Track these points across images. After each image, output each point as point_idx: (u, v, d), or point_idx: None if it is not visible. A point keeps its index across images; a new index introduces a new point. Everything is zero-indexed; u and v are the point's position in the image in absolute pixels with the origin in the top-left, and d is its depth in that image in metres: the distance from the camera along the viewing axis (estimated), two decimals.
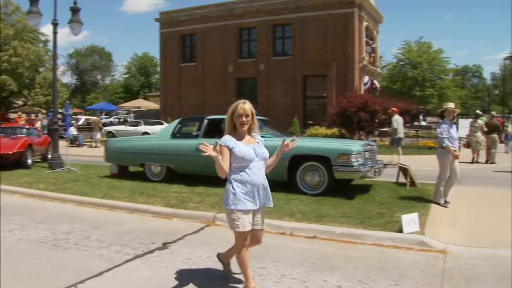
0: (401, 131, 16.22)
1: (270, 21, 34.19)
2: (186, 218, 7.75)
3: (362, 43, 33.47)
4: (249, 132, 4.39)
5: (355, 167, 8.90)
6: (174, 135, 11.18)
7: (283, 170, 9.33)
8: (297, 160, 9.36)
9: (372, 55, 36.92)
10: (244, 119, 4.25)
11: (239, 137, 4.32)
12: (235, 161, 4.25)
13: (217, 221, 7.41)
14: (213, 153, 4.06)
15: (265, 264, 5.35)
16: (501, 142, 22.13)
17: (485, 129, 18.31)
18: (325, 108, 30.89)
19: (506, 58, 45.65)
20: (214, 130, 11.05)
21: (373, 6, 35.85)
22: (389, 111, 17.52)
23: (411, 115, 30.30)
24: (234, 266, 4.75)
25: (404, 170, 10.83)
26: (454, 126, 9.01)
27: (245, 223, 4.24)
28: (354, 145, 9.30)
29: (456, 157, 8.84)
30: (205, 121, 10.97)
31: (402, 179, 10.86)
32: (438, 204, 8.75)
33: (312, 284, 4.74)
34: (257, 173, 4.27)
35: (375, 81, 36.02)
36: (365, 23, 33.76)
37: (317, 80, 33.30)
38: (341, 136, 23.45)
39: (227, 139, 4.27)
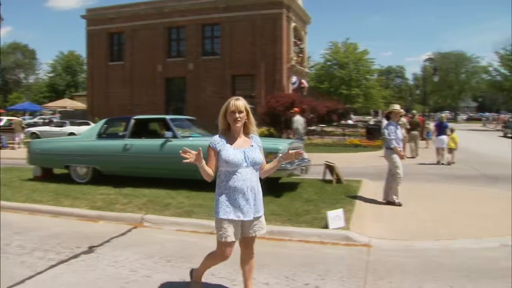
0: (301, 132, 16.51)
1: (199, 21, 34.02)
2: (113, 220, 7.53)
3: (290, 43, 33.96)
4: (246, 132, 4.08)
5: (282, 165, 8.93)
6: (100, 136, 10.86)
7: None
8: None
9: (300, 55, 37.53)
10: (237, 115, 3.94)
11: (232, 138, 4.02)
12: (221, 164, 3.96)
13: (145, 223, 7.27)
14: (196, 162, 3.82)
15: (194, 265, 5.26)
16: (423, 139, 23.59)
17: (408, 126, 19.64)
18: (254, 108, 31.11)
19: (426, 60, 47.80)
20: (141, 130, 10.86)
21: (301, 7, 36.46)
22: (291, 111, 17.86)
23: (339, 114, 31.09)
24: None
25: (330, 168, 11.07)
26: (399, 127, 9.27)
27: (228, 233, 3.94)
28: (281, 144, 9.38)
29: (402, 157, 9.13)
30: (132, 121, 10.71)
31: (329, 176, 11.09)
32: (393, 203, 8.95)
33: (240, 283, 4.73)
34: (246, 179, 3.93)
35: (303, 81, 36.64)
36: (293, 24, 34.28)
37: (246, 80, 33.48)
38: (270, 135, 23.69)
39: (216, 140, 4.00)
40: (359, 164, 15.70)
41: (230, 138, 4.02)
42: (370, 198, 9.40)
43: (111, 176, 10.74)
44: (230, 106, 3.96)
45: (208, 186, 9.13)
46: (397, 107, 9.27)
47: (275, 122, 24.07)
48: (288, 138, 22.45)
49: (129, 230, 6.99)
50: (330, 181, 10.74)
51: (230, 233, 3.93)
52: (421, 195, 9.88)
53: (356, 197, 9.15)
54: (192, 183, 9.48)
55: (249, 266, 4.24)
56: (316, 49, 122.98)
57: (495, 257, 5.82)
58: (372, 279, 4.92)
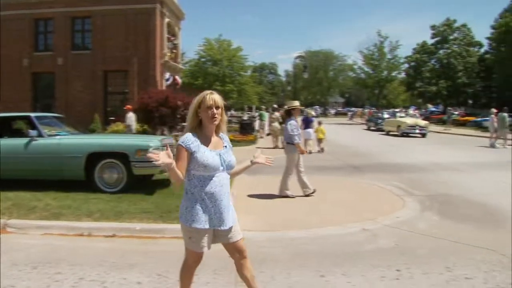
0: (133, 128, 16.51)
1: (69, 13, 32.32)
2: None
3: (164, 39, 33.52)
4: (217, 130, 3.65)
5: (154, 162, 8.86)
6: None
7: (79, 169, 9.00)
8: (94, 157, 9.07)
9: (174, 51, 37.20)
10: (215, 111, 3.48)
11: (205, 138, 3.55)
12: (195, 168, 3.47)
13: (8, 228, 6.80)
14: (168, 160, 3.28)
15: (61, 269, 5.10)
16: None
17: (281, 120, 20.85)
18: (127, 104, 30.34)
19: (297, 57, 49.65)
20: (3, 129, 10.16)
21: (174, 3, 36.10)
22: (125, 108, 18.07)
23: None
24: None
25: None
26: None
27: (202, 243, 3.58)
28: (152, 141, 9.30)
29: (303, 152, 9.41)
30: None
31: None
32: (287, 196, 9.23)
33: (111, 284, 4.65)
34: (223, 184, 3.55)
35: (176, 77, 36.40)
36: (166, 19, 33.85)
37: (118, 76, 32.47)
38: (144, 132, 23.29)
39: (189, 139, 3.47)
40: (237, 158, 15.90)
41: (203, 137, 3.54)
42: (244, 191, 9.63)
43: None
44: (206, 101, 3.48)
45: (77, 186, 8.92)
46: (297, 103, 9.60)
47: (148, 118, 23.67)
48: (162, 134, 22.32)
49: None
50: None
51: (205, 244, 3.59)
52: (292, 186, 10.30)
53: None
54: (60, 183, 9.10)
55: (249, 271, 3.86)
56: (190, 45, 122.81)
57: (357, 241, 6.33)
58: None
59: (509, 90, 49.18)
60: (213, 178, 3.50)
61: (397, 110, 57.19)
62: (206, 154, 3.45)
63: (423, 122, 32.31)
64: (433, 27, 68.68)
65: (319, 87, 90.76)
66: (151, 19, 31.63)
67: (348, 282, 4.74)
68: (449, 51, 66.20)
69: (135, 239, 6.33)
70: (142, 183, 9.76)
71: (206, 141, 3.54)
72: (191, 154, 3.45)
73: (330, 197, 9.29)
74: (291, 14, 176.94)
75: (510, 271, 5.11)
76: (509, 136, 23.90)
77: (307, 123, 19.78)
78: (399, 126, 31.40)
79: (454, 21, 68.19)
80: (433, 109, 72.62)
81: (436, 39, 68.59)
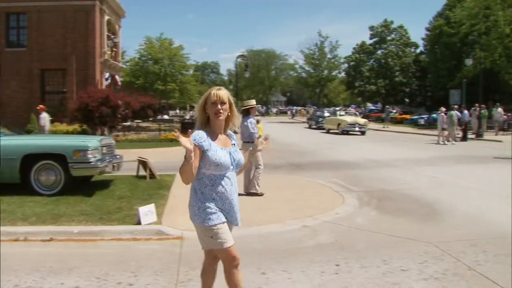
0: (47, 129, 16.28)
1: (3, 9, 31.04)
2: None
3: (104, 37, 32.78)
4: (226, 128, 3.54)
5: (92, 163, 8.71)
6: None
7: (14, 171, 8.65)
8: (30, 159, 8.75)
9: (114, 49, 36.48)
10: (219, 106, 3.36)
11: (213, 134, 3.43)
12: (206, 166, 3.33)
13: None
14: (189, 146, 3.09)
15: None
16: (235, 131, 24.84)
17: None
18: (65, 104, 29.47)
19: (239, 57, 49.74)
20: None
21: (115, 0, 35.38)
22: (37, 108, 17.98)
23: (154, 109, 30.94)
24: None
25: (143, 163, 11.01)
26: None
27: (227, 237, 3.38)
28: (90, 141, 9.07)
29: (260, 150, 9.40)
30: None
31: (142, 172, 11.02)
32: (257, 194, 9.26)
33: None
34: (234, 183, 3.44)
35: (116, 76, 35.73)
36: (106, 17, 33.12)
37: (56, 74, 31.51)
38: (83, 132, 22.72)
39: (202, 137, 3.32)
40: (174, 158, 15.76)
41: (212, 134, 3.43)
42: (183, 191, 9.54)
43: None
44: (211, 96, 3.39)
45: (12, 189, 8.56)
46: (254, 102, 9.82)
47: (88, 118, 23.08)
48: (102, 134, 21.86)
49: None
50: (144, 177, 10.69)
51: (229, 237, 3.40)
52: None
53: (169, 191, 9.24)
54: None
55: (239, 274, 3.56)
56: (131, 44, 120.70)
57: (298, 238, 6.45)
58: (184, 270, 5.04)
59: (442, 90, 51.17)
60: (224, 177, 3.38)
61: (337, 108, 58.41)
62: (218, 153, 3.33)
63: (362, 120, 33.17)
64: (371, 28, 70.60)
65: (261, 86, 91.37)
66: (90, 16, 30.87)
67: (289, 279, 4.81)
68: (386, 51, 68.23)
69: (73, 243, 6.17)
70: (82, 184, 9.51)
71: (215, 138, 3.43)
72: (203, 152, 3.31)
73: (271, 195, 9.38)
74: (234, 13, 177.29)
75: (443, 261, 5.34)
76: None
77: None
78: (339, 124, 32.08)
79: (392, 22, 70.32)
80: (372, 107, 74.67)
81: (374, 39, 70.58)
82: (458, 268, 5.14)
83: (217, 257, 3.59)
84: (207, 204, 3.34)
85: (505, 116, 29.46)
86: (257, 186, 9.49)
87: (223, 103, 3.38)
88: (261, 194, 9.35)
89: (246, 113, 9.60)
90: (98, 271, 5.02)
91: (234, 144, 3.54)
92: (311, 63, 73.43)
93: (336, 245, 6.04)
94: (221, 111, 3.36)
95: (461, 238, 6.34)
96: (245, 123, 9.42)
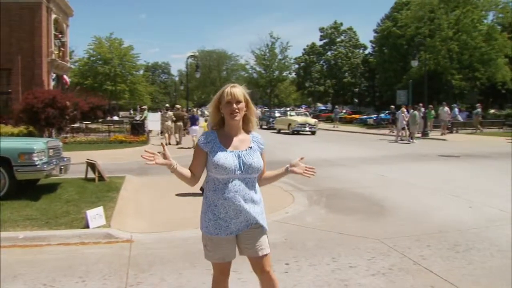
0: None
1: None
2: None
3: (51, 36, 31.92)
4: (245, 128, 3.27)
5: (38, 166, 8.46)
6: None
7: None
8: None
9: (62, 49, 35.58)
10: (234, 106, 3.10)
11: (226, 136, 3.20)
12: (210, 169, 3.16)
13: None
14: (162, 161, 3.06)
15: None
16: (185, 129, 25.55)
17: (174, 118, 23.28)
18: (10, 105, 28.52)
19: (190, 57, 49.52)
20: None
21: None
22: None
23: (104, 110, 30.41)
24: None
25: (92, 165, 10.81)
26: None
27: (218, 252, 3.20)
28: (36, 143, 8.81)
29: None
30: None
31: (91, 175, 10.81)
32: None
33: None
34: (239, 190, 3.13)
35: (64, 76, 34.88)
36: (53, 15, 32.24)
37: (1, 74, 30.48)
38: (29, 134, 22.05)
39: (205, 138, 3.20)
40: (124, 160, 15.60)
41: (224, 136, 3.20)
42: (133, 193, 9.47)
43: None
44: (224, 95, 3.13)
45: None
46: (178, 106, 9.76)
47: (34, 120, 22.42)
48: (50, 136, 21.29)
49: None
50: (92, 179, 10.49)
51: (221, 253, 3.21)
52: (180, 186, 10.28)
53: (118, 193, 9.10)
54: None
55: None
56: (80, 43, 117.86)
57: None
58: (133, 273, 4.99)
59: (390, 90, 52.53)
60: (229, 182, 3.12)
61: (288, 109, 58.95)
62: (219, 155, 3.11)
63: (312, 120, 33.62)
64: (321, 30, 71.75)
65: (212, 86, 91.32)
66: (37, 14, 30.02)
67: (239, 279, 4.83)
68: (336, 52, 69.48)
69: (18, 249, 5.99)
70: (27, 188, 9.23)
71: (226, 140, 3.19)
72: (206, 154, 3.17)
73: None
74: (186, 13, 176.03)
75: (390, 257, 5.50)
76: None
77: (193, 121, 22.11)
78: (290, 124, 32.41)
79: (341, 24, 71.63)
80: (323, 107, 75.78)
81: (324, 41, 71.71)
82: (404, 263, 5.31)
83: (260, 266, 3.30)
84: (208, 211, 3.19)
85: (448, 115, 30.46)
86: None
87: (238, 102, 3.13)
88: None
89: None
90: (45, 277, 4.90)
91: (250, 147, 3.21)
92: (262, 63, 74.07)
93: (286, 244, 6.10)
94: (236, 110, 3.12)
95: (407, 234, 6.54)
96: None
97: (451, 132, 30.03)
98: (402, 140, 24.70)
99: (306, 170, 3.29)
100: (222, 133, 3.21)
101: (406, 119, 24.80)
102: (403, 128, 24.86)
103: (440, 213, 7.84)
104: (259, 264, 3.27)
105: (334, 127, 40.70)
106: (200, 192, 9.44)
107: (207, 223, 3.17)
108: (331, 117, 51.65)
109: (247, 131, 3.27)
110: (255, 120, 3.29)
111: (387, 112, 37.42)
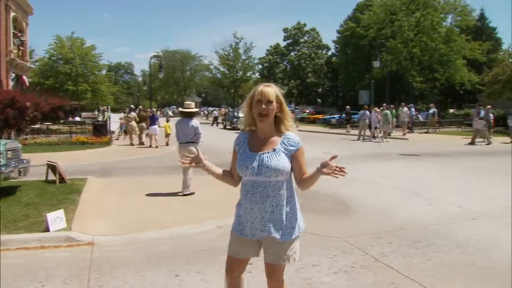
0: None
1: None
2: None
3: (10, 35, 31.12)
4: (278, 129, 3.13)
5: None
6: None
7: None
8: None
9: (21, 48, 34.75)
10: (263, 106, 2.99)
11: (256, 137, 3.14)
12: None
13: None
14: (193, 164, 3.19)
15: None
16: (147, 128, 25.20)
17: (137, 119, 23.61)
18: None
19: (153, 57, 49.04)
20: None
21: None
22: None
23: (65, 111, 29.80)
24: None
25: (52, 167, 10.59)
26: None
27: (232, 247, 3.24)
28: None
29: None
30: None
31: (52, 177, 10.59)
32: (191, 194, 9.50)
33: None
34: (256, 192, 3.07)
35: (24, 77, 34.08)
36: (12, 13, 31.44)
37: None
38: None
39: (237, 139, 3.22)
40: (86, 161, 15.35)
41: (254, 137, 3.15)
42: (95, 195, 9.33)
43: None
44: (256, 94, 3.03)
45: None
46: (193, 105, 10.31)
47: None
48: (9, 138, 20.76)
49: None
50: (53, 182, 10.28)
51: (233, 250, 3.23)
52: (143, 187, 10.22)
53: (80, 195, 8.95)
54: None
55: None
56: (40, 43, 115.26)
57: (212, 238, 6.46)
58: (95, 276, 4.92)
59: (352, 90, 53.24)
60: (247, 183, 3.12)
61: None
62: (242, 155, 3.10)
63: None
64: (285, 30, 72.15)
65: (176, 86, 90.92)
66: None
67: (203, 280, 4.82)
68: (300, 53, 69.99)
69: None
70: None
71: (255, 141, 3.14)
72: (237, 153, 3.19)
73: (187, 197, 9.41)
74: (149, 13, 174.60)
75: (352, 255, 5.60)
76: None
77: (152, 121, 22.61)
78: None
79: (304, 25, 72.18)
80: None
81: (288, 41, 72.12)
82: (365, 260, 5.40)
83: (269, 274, 3.25)
84: (238, 206, 3.23)
85: (407, 115, 31.06)
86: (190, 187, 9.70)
87: (269, 102, 3.01)
88: (192, 193, 9.65)
89: (190, 115, 9.92)
90: (3, 283, 4.77)
91: (274, 149, 3.06)
92: (225, 64, 73.96)
93: None
94: (265, 111, 3.01)
95: (368, 232, 6.65)
96: (193, 124, 9.76)
97: (411, 132, 30.62)
98: (374, 139, 25.14)
99: (335, 170, 3.04)
100: (253, 134, 3.17)
101: (379, 118, 25.28)
102: (376, 128, 25.32)
103: (402, 211, 8.00)
104: (267, 272, 3.24)
105: (296, 126, 40.98)
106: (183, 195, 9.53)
107: (235, 218, 3.23)
108: (294, 117, 52.00)
109: (280, 133, 3.13)
110: (289, 122, 3.16)
111: (343, 112, 38.02)
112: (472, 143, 22.46)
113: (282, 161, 3.03)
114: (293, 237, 3.13)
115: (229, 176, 3.29)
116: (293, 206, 3.18)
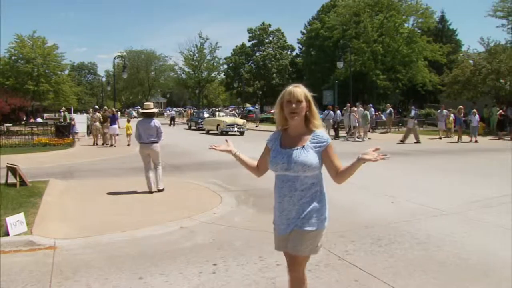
0: None
1: None
2: None
3: None
4: (308, 127, 3.26)
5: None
6: None
7: None
8: None
9: None
10: (293, 106, 3.16)
11: (287, 135, 3.32)
12: None
13: None
14: (224, 148, 3.63)
15: None
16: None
17: (102, 119, 24.01)
18: None
19: (117, 57, 48.47)
20: None
21: None
22: None
23: (27, 112, 29.25)
24: None
25: (12, 170, 10.36)
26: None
27: (275, 242, 3.46)
28: None
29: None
30: None
31: (12, 180, 10.35)
32: (163, 189, 9.73)
33: None
34: (284, 186, 3.26)
35: None
36: None
37: None
38: None
39: (270, 137, 3.47)
40: (48, 163, 15.05)
41: (286, 135, 3.34)
42: (57, 198, 9.17)
43: None
44: (285, 95, 3.22)
45: None
46: (152, 105, 10.58)
47: None
48: None
49: None
50: (13, 185, 10.05)
51: (277, 242, 3.44)
52: (105, 189, 10.11)
53: (41, 198, 8.77)
54: None
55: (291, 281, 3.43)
56: (1, 42, 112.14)
57: (175, 240, 6.44)
58: (57, 281, 4.85)
59: (316, 91, 53.59)
60: (278, 178, 3.32)
61: (217, 109, 59.12)
62: (274, 152, 3.32)
63: (241, 121, 33.96)
64: (249, 30, 72.23)
65: (140, 87, 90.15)
66: None
67: (166, 281, 4.81)
68: (264, 53, 70.22)
69: None
70: None
71: (286, 139, 3.32)
72: (270, 151, 3.39)
73: (148, 197, 9.40)
74: (113, 12, 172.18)
75: (316, 254, 5.64)
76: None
77: (113, 120, 23.31)
78: (218, 125, 32.53)
79: (269, 25, 72.43)
80: (251, 108, 76.44)
81: (253, 41, 72.24)
82: (330, 259, 5.47)
83: (291, 265, 3.41)
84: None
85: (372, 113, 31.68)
86: (161, 183, 9.91)
87: (298, 101, 3.18)
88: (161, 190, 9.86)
89: (151, 116, 10.10)
90: None
91: (303, 146, 3.21)
92: (190, 64, 73.74)
93: (214, 245, 6.13)
94: (294, 110, 3.18)
95: (333, 230, 6.70)
96: (155, 124, 9.94)
97: (373, 131, 31.27)
98: (351, 137, 25.80)
99: (379, 155, 3.09)
100: (285, 132, 3.35)
101: (357, 117, 25.81)
102: (355, 127, 25.88)
103: (365, 209, 8.15)
104: (288, 262, 3.40)
105: (256, 126, 41.49)
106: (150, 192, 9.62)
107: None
108: (258, 117, 52.17)
109: (310, 131, 3.27)
110: (317, 121, 3.29)
111: None
112: (403, 141, 23.25)
113: (310, 157, 3.18)
114: (318, 229, 3.32)
115: (254, 166, 3.67)
116: (321, 200, 3.38)
